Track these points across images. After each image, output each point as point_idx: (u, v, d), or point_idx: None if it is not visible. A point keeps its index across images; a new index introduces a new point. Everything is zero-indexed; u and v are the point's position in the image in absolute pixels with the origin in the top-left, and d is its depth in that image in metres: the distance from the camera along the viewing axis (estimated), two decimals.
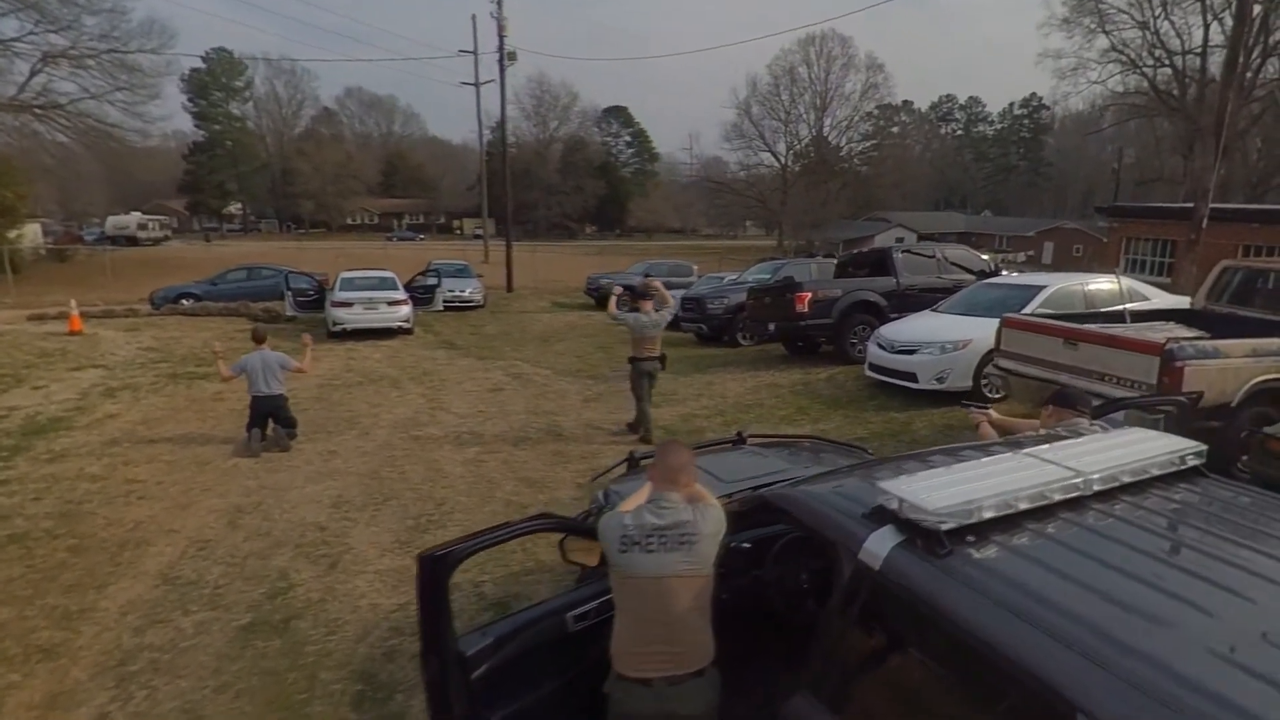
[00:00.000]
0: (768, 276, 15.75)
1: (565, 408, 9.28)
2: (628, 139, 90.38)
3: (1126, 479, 2.10)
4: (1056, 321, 6.20)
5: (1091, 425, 3.10)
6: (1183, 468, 2.22)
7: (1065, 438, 2.44)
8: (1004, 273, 12.33)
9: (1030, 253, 51.74)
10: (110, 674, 4.00)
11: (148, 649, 4.22)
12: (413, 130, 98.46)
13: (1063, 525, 1.92)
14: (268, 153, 78.03)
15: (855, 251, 13.37)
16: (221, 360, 7.68)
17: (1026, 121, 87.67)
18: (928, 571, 1.79)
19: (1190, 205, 12.73)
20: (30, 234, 38.68)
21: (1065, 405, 3.13)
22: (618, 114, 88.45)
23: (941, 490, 1.93)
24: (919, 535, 1.87)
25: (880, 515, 2.01)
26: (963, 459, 2.37)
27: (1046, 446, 2.28)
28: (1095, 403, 4.80)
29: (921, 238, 53.52)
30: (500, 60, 25.45)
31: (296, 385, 10.22)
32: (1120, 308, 7.32)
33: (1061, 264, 48.02)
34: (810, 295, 10.62)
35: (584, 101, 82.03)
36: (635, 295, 7.55)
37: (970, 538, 1.86)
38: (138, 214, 58.82)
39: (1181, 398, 3.49)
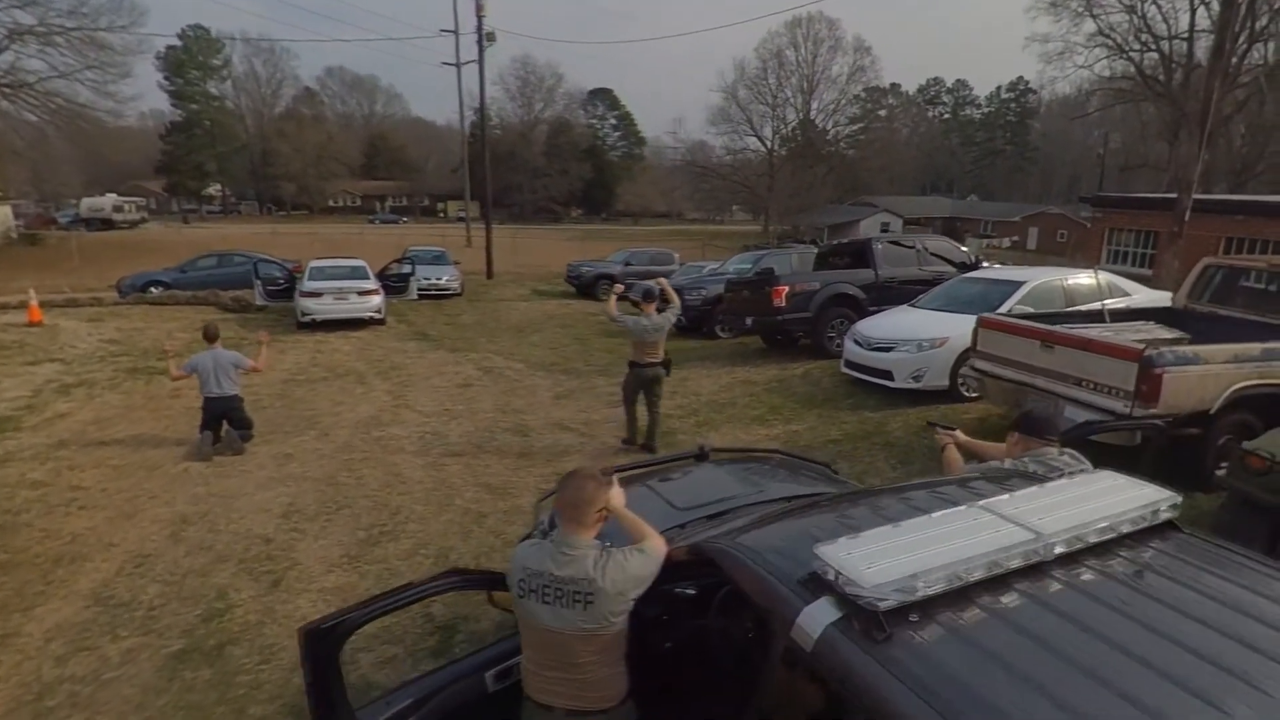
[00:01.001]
0: (748, 267, 15.54)
1: (535, 405, 9.03)
2: (614, 122, 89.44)
3: (1092, 539, 1.89)
4: (1032, 323, 6.01)
5: (1061, 454, 2.90)
6: (1155, 522, 2.01)
7: (1028, 482, 2.23)
8: (985, 264, 12.17)
9: (1015, 238, 51.85)
10: (26, 710, 3.75)
11: (69, 680, 3.97)
12: (395, 111, 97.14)
13: (1018, 600, 1.71)
14: (247, 133, 76.50)
15: (835, 242, 13.13)
16: (173, 360, 7.37)
17: (1013, 105, 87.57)
18: (862, 660, 1.57)
19: (1173, 196, 12.59)
20: (0, 217, 37.75)
21: (1031, 433, 2.93)
22: (603, 96, 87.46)
23: (884, 560, 1.71)
24: (856, 614, 1.65)
25: (816, 585, 1.79)
26: (915, 507, 2.16)
27: (1006, 498, 2.06)
28: (1073, 419, 4.62)
29: (907, 223, 53.52)
30: (479, 40, 24.89)
31: (258, 381, 9.93)
32: (1099, 305, 7.15)
33: (1046, 249, 48.18)
34: (787, 289, 10.40)
35: (569, 83, 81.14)
36: (638, 297, 7.12)
37: (914, 617, 1.64)
38: (113, 196, 57.58)
39: (1156, 421, 3.30)
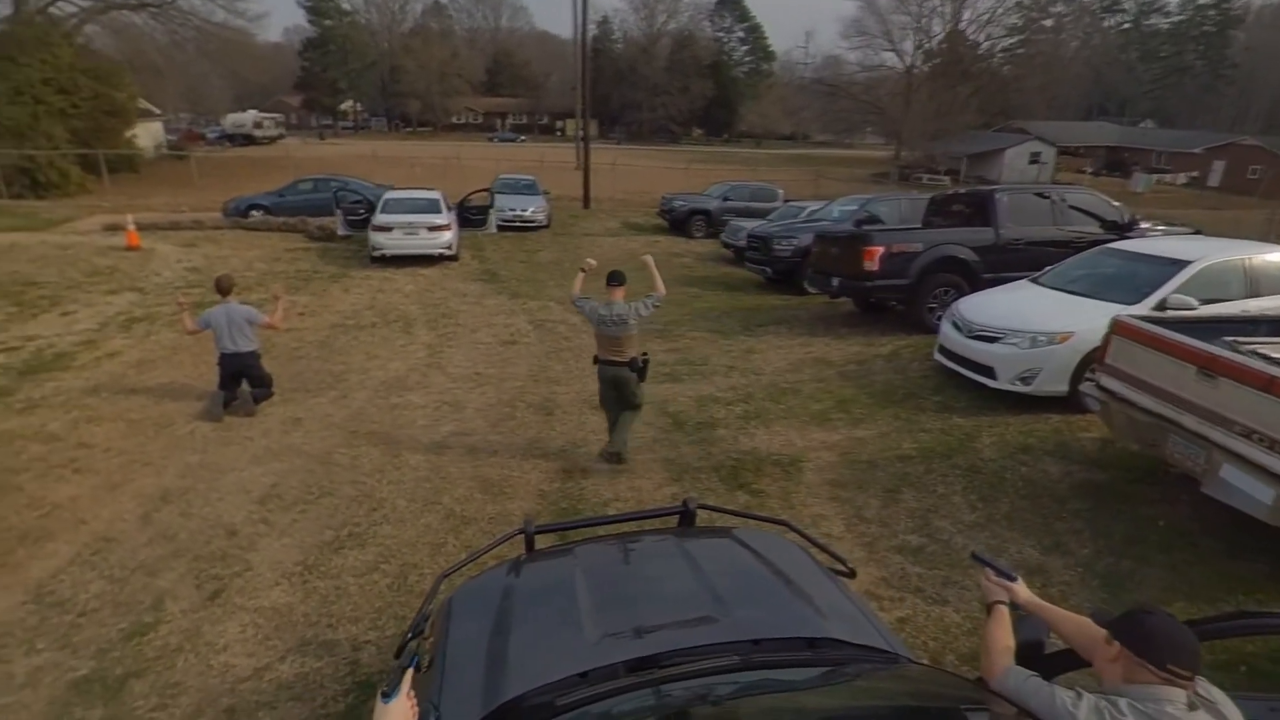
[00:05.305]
0: (854, 209, 13.76)
1: (572, 373, 8.15)
2: (741, 35, 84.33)
3: None
4: (1192, 342, 4.37)
5: (1193, 709, 1.63)
6: None
7: None
8: (1143, 225, 9.85)
9: (1194, 173, 44.81)
10: None
11: None
12: (521, 24, 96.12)
13: None
14: (377, 50, 77.97)
15: (951, 191, 11.12)
16: (186, 313, 6.99)
17: (1212, 13, 74.38)
18: None
19: None
20: (151, 133, 40.38)
21: (1146, 657, 1.66)
22: (732, 6, 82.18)
23: None
24: None
25: None
26: None
27: None
28: (1233, 485, 3.29)
29: (1062, 152, 47.46)
30: None
31: (306, 326, 9.65)
32: None
33: (1233, 187, 41.40)
34: (882, 250, 8.74)
35: None
36: (610, 281, 5.48)
37: None
38: (254, 112, 60.59)
39: None
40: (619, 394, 5.68)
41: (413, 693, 1.68)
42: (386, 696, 1.64)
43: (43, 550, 4.87)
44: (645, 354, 5.64)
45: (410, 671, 1.73)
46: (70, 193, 25.22)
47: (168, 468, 5.95)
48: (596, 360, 5.69)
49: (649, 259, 5.85)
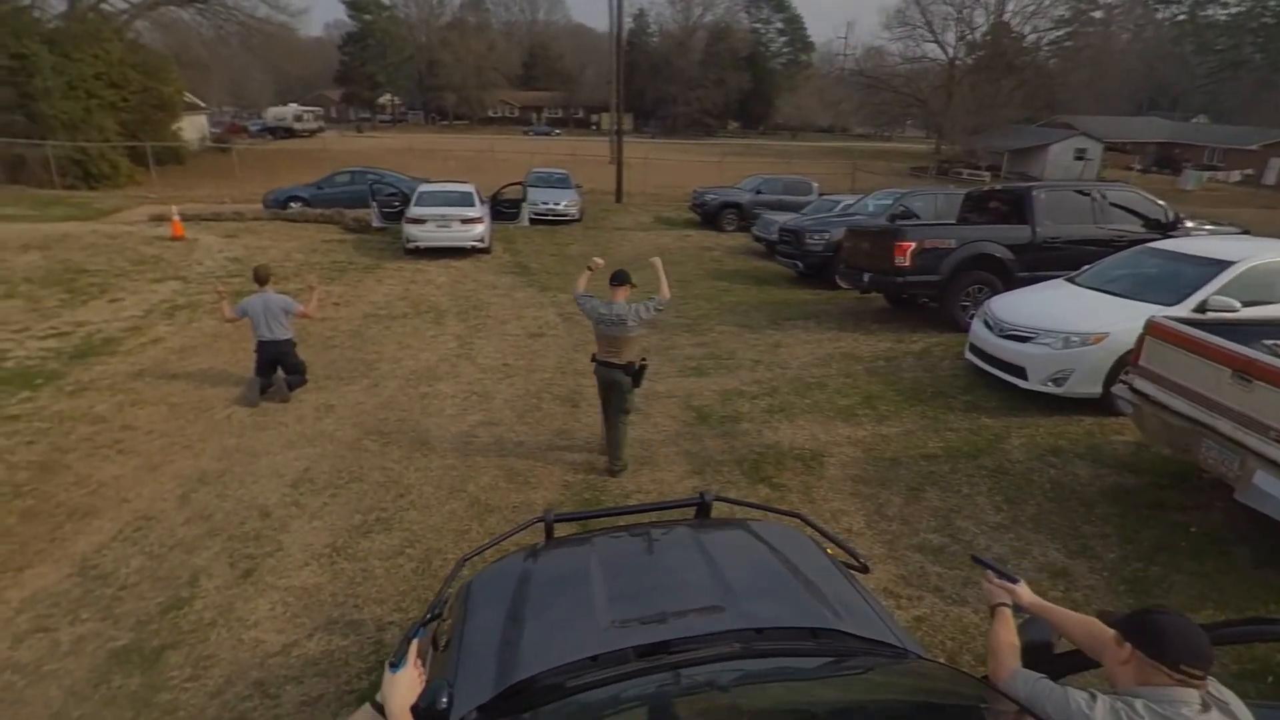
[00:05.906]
0: (888, 204, 13.60)
1: None
2: (779, 26, 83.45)
3: None
4: (1226, 344, 4.25)
5: (1205, 709, 1.62)
6: None
7: None
8: (1188, 225, 9.57)
9: (1248, 171, 43.23)
10: None
11: (10, 669, 3.79)
12: (557, 17, 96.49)
13: None
14: (415, 44, 78.84)
15: (987, 188, 10.90)
16: (224, 302, 7.21)
17: (1273, 3, 71.30)
18: None
19: None
20: (196, 126, 41.44)
21: (1159, 658, 1.64)
22: None
23: None
24: None
25: None
26: None
27: None
28: (1266, 491, 3.21)
29: (1109, 148, 46.11)
30: None
31: (339, 316, 9.86)
32: None
33: None
34: (913, 246, 8.62)
35: None
36: (613, 280, 5.45)
37: None
38: (295, 105, 61.79)
39: None
40: (611, 397, 5.62)
41: (419, 661, 1.75)
42: (394, 666, 1.72)
43: (88, 526, 5.09)
44: (644, 359, 5.60)
45: (416, 642, 1.80)
46: (120, 184, 26.05)
47: (206, 450, 6.16)
48: (594, 359, 5.65)
49: (657, 261, 5.84)
